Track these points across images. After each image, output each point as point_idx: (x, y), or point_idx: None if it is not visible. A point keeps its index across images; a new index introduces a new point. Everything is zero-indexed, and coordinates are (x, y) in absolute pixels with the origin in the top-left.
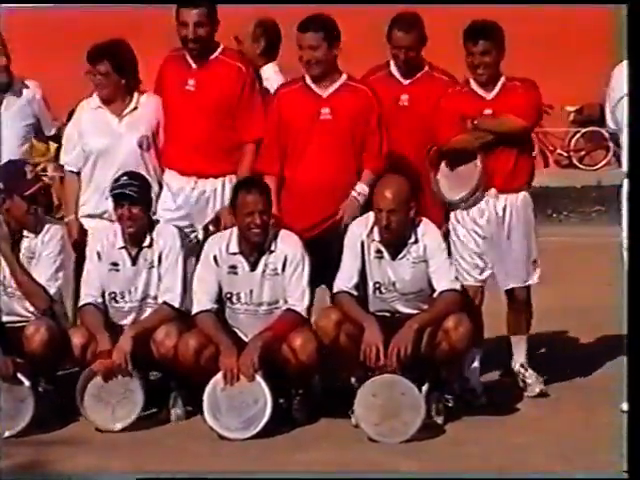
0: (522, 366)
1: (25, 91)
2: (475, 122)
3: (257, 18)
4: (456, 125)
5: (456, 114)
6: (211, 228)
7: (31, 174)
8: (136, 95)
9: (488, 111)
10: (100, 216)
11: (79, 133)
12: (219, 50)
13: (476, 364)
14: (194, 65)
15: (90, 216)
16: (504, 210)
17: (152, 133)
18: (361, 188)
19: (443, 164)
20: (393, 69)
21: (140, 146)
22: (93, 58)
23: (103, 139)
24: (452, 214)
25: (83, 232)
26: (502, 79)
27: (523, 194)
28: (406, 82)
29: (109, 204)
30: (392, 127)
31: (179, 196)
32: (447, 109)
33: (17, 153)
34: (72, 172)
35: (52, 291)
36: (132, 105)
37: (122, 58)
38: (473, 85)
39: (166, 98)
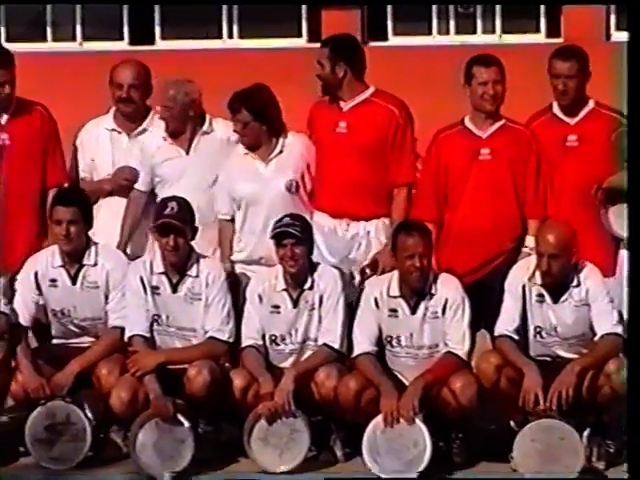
0: None
1: (218, 130)
2: None
3: None
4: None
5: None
6: (368, 271)
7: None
8: (281, 138)
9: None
10: (257, 262)
11: (228, 180)
12: (370, 92)
13: None
14: (344, 108)
15: (245, 262)
16: None
17: (300, 175)
18: (530, 241)
19: (615, 200)
20: (556, 110)
21: (288, 189)
22: (232, 108)
23: (251, 185)
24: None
25: (232, 275)
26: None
27: None
28: (572, 121)
29: (264, 250)
30: (560, 168)
31: (331, 238)
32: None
33: (204, 193)
34: (226, 220)
35: (225, 336)
36: (277, 149)
37: (261, 104)
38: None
39: (317, 141)
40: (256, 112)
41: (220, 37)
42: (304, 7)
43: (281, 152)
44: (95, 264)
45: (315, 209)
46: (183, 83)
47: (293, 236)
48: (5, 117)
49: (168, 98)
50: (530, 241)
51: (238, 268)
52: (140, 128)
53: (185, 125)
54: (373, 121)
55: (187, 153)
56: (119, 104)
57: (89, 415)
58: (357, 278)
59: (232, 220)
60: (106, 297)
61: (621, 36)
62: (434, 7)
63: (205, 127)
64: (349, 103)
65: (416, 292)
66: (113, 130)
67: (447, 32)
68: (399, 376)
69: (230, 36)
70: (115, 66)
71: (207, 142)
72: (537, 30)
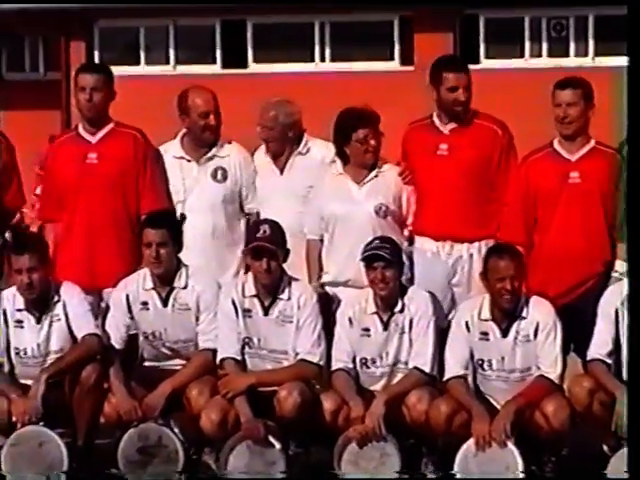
0: None
1: (313, 150)
2: None
3: None
4: None
5: None
6: None
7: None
8: (379, 162)
9: None
10: (344, 284)
11: (320, 199)
12: (471, 113)
13: None
14: (445, 130)
15: (332, 284)
16: None
17: (390, 202)
18: (621, 266)
19: None
20: None
21: (377, 213)
22: (368, 122)
23: (342, 205)
24: None
25: (323, 298)
26: None
27: None
28: None
29: (352, 272)
30: None
31: (434, 261)
32: None
33: (294, 214)
34: (314, 240)
35: (316, 359)
36: (374, 173)
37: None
38: None
39: (417, 164)
40: (378, 129)
41: (312, 60)
42: (396, 30)
43: (376, 177)
44: (185, 286)
45: (416, 233)
46: (284, 104)
47: (383, 259)
48: (98, 137)
49: (269, 119)
50: (620, 265)
51: (327, 289)
52: (210, 154)
53: (284, 146)
54: (476, 142)
55: (281, 173)
56: (206, 132)
57: (181, 437)
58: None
59: (321, 240)
60: (197, 319)
61: None
62: (526, 30)
63: (301, 147)
64: (450, 125)
65: (507, 315)
66: (182, 158)
67: (539, 55)
68: (490, 399)
69: (322, 59)
70: (187, 95)
71: (302, 163)
72: None
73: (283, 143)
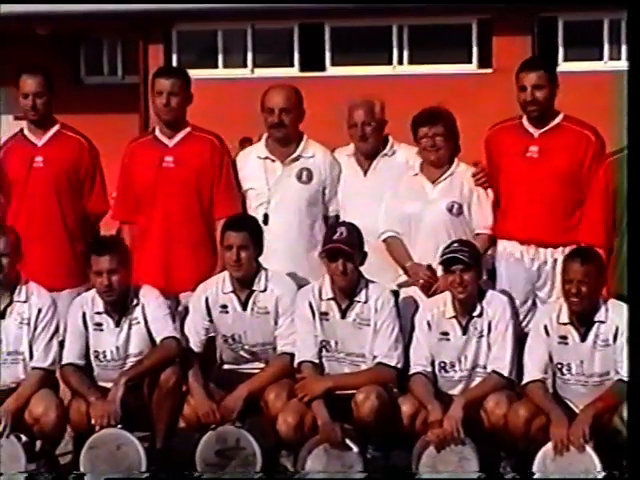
0: None
1: (399, 153)
2: None
3: None
4: None
5: None
6: None
7: None
8: (454, 163)
9: None
10: (412, 285)
11: (396, 199)
12: (560, 117)
13: None
14: (535, 133)
15: (407, 284)
16: None
17: (464, 201)
18: None
19: None
20: None
21: (449, 211)
22: (426, 121)
23: (415, 204)
24: None
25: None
26: None
27: None
28: None
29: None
30: None
31: (518, 265)
32: None
33: (377, 217)
34: (394, 237)
35: (394, 362)
36: (449, 172)
37: (454, 123)
38: None
39: (503, 166)
40: (450, 129)
41: (390, 63)
42: (474, 33)
43: (451, 175)
44: (265, 290)
45: (500, 236)
46: (374, 101)
47: (462, 262)
48: (174, 140)
49: (365, 114)
50: None
51: (402, 293)
52: (294, 155)
53: (379, 143)
54: (568, 147)
55: (365, 174)
56: (271, 129)
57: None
58: (540, 306)
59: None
60: (275, 323)
61: None
62: (605, 32)
63: (387, 150)
64: (541, 128)
65: (585, 319)
66: (266, 158)
67: (619, 57)
68: (569, 403)
69: (400, 62)
70: (266, 91)
71: (386, 165)
72: None
73: (378, 140)
